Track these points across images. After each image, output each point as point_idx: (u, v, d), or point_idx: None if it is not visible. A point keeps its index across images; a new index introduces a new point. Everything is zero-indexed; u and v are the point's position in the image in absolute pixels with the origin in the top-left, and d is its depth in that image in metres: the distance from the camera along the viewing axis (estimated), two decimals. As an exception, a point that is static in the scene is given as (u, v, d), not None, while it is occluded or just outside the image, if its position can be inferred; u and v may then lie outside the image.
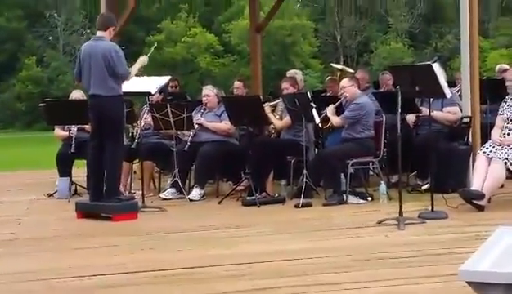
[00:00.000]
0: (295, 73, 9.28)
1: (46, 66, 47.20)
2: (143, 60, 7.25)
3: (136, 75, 7.15)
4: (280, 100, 8.09)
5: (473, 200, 6.43)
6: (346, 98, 7.60)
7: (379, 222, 6.03)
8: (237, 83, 9.32)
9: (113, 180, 6.92)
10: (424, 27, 44.34)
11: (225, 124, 8.14)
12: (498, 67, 10.70)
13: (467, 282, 2.83)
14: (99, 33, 6.95)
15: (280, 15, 36.61)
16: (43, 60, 47.57)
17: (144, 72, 7.57)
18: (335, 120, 7.60)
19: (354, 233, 5.73)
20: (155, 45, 6.50)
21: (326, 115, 7.66)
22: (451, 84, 8.83)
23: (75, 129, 8.61)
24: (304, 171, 7.41)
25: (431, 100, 6.88)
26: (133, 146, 8.22)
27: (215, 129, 8.19)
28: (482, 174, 6.51)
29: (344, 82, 7.73)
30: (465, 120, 7.63)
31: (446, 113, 7.67)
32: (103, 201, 6.89)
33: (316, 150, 8.49)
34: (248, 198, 7.50)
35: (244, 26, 37.31)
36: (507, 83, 7.18)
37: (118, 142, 6.95)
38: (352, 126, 7.44)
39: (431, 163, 6.70)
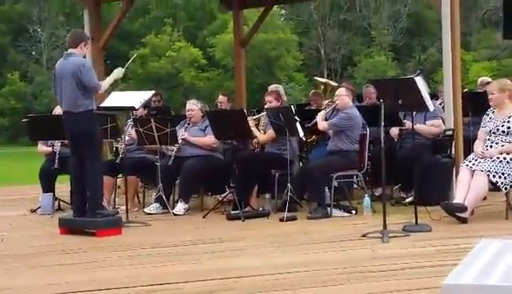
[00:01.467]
0: (276, 87, 9.33)
1: (29, 81, 46.95)
2: (118, 72, 7.23)
3: (116, 89, 7.14)
4: (264, 113, 8.11)
5: (456, 213, 6.46)
6: (337, 105, 7.63)
7: (364, 235, 6.04)
8: (221, 97, 9.35)
9: (95, 196, 6.88)
10: (407, 40, 44.65)
11: (209, 138, 8.14)
12: (480, 80, 10.78)
13: (450, 296, 2.84)
14: (70, 50, 6.97)
15: (264, 29, 36.72)
16: (27, 75, 47.32)
17: (128, 87, 7.56)
18: (322, 124, 7.65)
19: (339, 247, 5.73)
20: (135, 56, 6.47)
21: (313, 123, 7.69)
22: (434, 97, 8.88)
23: (58, 144, 8.57)
24: (289, 185, 7.42)
25: (414, 113, 6.92)
26: (117, 161, 8.19)
27: (199, 143, 8.18)
28: (465, 186, 6.55)
29: (341, 90, 7.77)
30: (448, 133, 7.68)
31: (429, 126, 7.72)
32: (87, 216, 6.85)
33: (301, 164, 8.51)
34: (232, 212, 7.49)
35: (228, 40, 37.33)
36: (489, 96, 7.25)
37: (95, 158, 6.89)
38: (338, 137, 7.46)
39: (415, 176, 6.73)
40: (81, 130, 6.79)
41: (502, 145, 6.66)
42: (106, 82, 7.06)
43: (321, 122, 7.66)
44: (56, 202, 8.55)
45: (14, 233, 7.27)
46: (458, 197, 6.54)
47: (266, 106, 8.04)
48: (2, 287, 4.83)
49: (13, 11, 49.11)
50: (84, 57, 7.17)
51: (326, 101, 8.38)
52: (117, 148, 8.78)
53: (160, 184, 7.91)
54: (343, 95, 7.61)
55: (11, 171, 18.52)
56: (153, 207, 8.00)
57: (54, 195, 8.45)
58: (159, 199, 7.97)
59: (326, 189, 7.42)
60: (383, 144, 6.19)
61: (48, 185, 8.53)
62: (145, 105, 8.69)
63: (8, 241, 6.81)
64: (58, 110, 9.06)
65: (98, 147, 7.14)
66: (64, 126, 7.02)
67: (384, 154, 6.14)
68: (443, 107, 8.01)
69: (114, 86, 7.22)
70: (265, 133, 8.10)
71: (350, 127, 7.45)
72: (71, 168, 7.09)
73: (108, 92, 7.60)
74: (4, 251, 6.24)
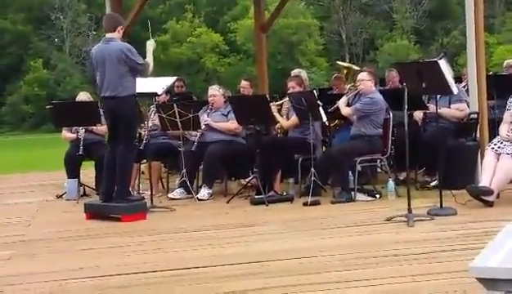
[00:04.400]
0: (299, 71, 9.29)
1: (52, 68, 47.34)
2: (151, 44, 7.20)
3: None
4: (287, 99, 8.10)
5: (482, 196, 6.42)
6: (360, 91, 7.57)
7: (388, 219, 6.03)
8: (244, 83, 9.33)
9: (124, 182, 6.93)
10: (429, 23, 44.28)
11: (232, 123, 8.15)
12: (506, 62, 10.66)
13: (477, 279, 2.83)
14: (108, 35, 6.93)
15: (285, 14, 36.60)
16: (50, 63, 47.71)
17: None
18: (346, 110, 7.59)
19: (363, 231, 5.73)
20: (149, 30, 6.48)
21: (335, 108, 7.65)
22: (458, 80, 8.81)
23: (83, 131, 8.64)
24: (312, 170, 7.42)
25: (438, 96, 6.87)
26: (141, 147, 8.24)
27: (222, 129, 8.20)
28: (491, 170, 6.50)
29: (363, 75, 7.67)
30: (473, 116, 7.62)
31: (453, 110, 7.66)
32: (114, 201, 6.92)
33: (324, 148, 8.49)
34: (256, 196, 7.51)
35: (249, 25, 37.32)
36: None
37: (131, 144, 6.96)
38: (362, 121, 7.42)
39: (439, 160, 6.69)
40: (125, 114, 6.81)
41: (528, 128, 6.60)
42: (150, 59, 7.04)
43: (343, 107, 7.61)
44: (81, 188, 8.63)
45: (40, 219, 7.37)
46: (484, 180, 6.50)
47: (288, 92, 8.03)
48: (29, 272, 4.91)
49: (35, -1, 49.49)
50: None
51: (349, 85, 8.34)
52: (140, 133, 8.84)
53: (184, 170, 7.95)
54: (365, 80, 7.55)
55: (36, 157, 18.74)
56: (177, 193, 8.04)
57: (79, 181, 8.53)
58: (182, 184, 8.01)
59: (350, 174, 7.40)
60: (406, 128, 6.15)
61: (73, 171, 8.61)
62: (168, 91, 8.72)
63: (35, 226, 6.90)
64: (82, 97, 9.17)
65: (135, 133, 7.18)
66: (104, 112, 7.06)
67: (408, 138, 6.11)
68: (467, 90, 7.94)
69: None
70: (287, 118, 8.10)
71: (374, 112, 7.40)
72: (106, 154, 7.11)
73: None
74: (31, 236, 6.33)
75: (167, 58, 42.64)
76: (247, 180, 8.01)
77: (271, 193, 7.61)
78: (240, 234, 5.88)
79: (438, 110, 6.91)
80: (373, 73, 8.11)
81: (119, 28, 6.93)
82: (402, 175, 7.85)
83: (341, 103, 7.64)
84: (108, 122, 7.13)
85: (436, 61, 6.28)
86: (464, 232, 5.46)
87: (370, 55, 43.80)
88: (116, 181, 6.89)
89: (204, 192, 7.91)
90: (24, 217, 7.43)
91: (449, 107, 7.64)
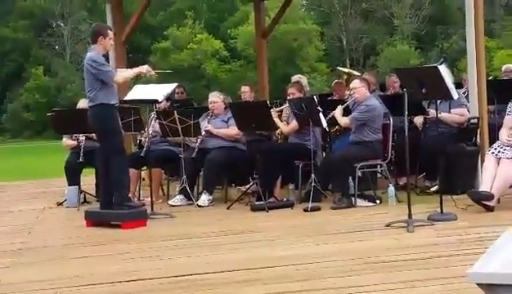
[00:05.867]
0: (300, 77, 9.29)
1: (53, 76, 47.39)
2: (146, 70, 7.20)
3: (139, 81, 7.18)
4: (287, 105, 8.09)
5: (483, 201, 6.41)
6: (356, 99, 7.56)
7: (388, 225, 6.02)
8: (244, 88, 9.31)
9: (121, 189, 6.93)
10: (429, 28, 44.27)
11: (232, 130, 8.15)
12: (505, 67, 10.66)
13: (477, 284, 2.82)
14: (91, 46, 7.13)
15: (285, 19, 36.63)
16: (50, 70, 47.76)
17: (150, 79, 7.59)
18: (343, 121, 7.58)
19: (363, 237, 5.71)
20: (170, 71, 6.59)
21: (332, 117, 7.64)
22: (458, 85, 8.81)
23: (83, 138, 8.65)
24: (312, 175, 7.41)
25: (439, 101, 6.87)
26: (141, 154, 8.23)
27: (223, 135, 8.20)
28: (491, 174, 6.49)
29: (355, 83, 7.66)
30: (473, 121, 7.61)
31: (453, 115, 7.65)
32: (112, 209, 6.91)
33: (324, 154, 8.49)
34: (256, 202, 7.50)
35: (249, 31, 37.34)
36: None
37: (117, 151, 6.94)
38: (360, 128, 7.41)
39: (439, 165, 6.68)
40: (99, 123, 6.93)
41: (528, 133, 6.59)
42: (126, 73, 7.10)
43: (341, 118, 7.59)
44: (82, 195, 8.63)
45: (41, 226, 7.37)
46: (484, 185, 6.49)
47: (288, 98, 8.03)
48: (29, 280, 4.90)
49: (36, 6, 49.59)
50: (106, 50, 7.21)
51: (349, 91, 8.33)
52: (141, 140, 8.84)
53: (184, 176, 7.95)
54: (358, 88, 7.54)
55: (36, 164, 18.74)
56: (177, 199, 8.04)
57: (79, 188, 8.53)
58: (183, 191, 8.01)
59: (350, 179, 7.39)
60: (407, 133, 6.15)
61: (74, 178, 8.61)
62: (168, 98, 8.72)
63: (35, 233, 6.90)
64: (82, 104, 9.17)
65: (118, 141, 7.13)
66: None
67: (408, 143, 6.11)
68: (467, 95, 7.94)
69: (138, 79, 7.25)
70: (288, 124, 8.09)
71: (372, 118, 7.39)
72: (98, 161, 7.14)
73: (129, 86, 7.63)
74: (31, 243, 6.32)
75: (167, 64, 42.65)
76: (247, 187, 8.00)
77: (272, 199, 7.60)
78: (239, 241, 5.88)
79: (439, 115, 6.91)
80: (365, 78, 8.11)
81: (99, 38, 6.99)
82: (403, 181, 7.84)
83: (337, 114, 7.62)
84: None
85: (436, 67, 6.28)
86: (465, 237, 5.45)
87: (371, 60, 43.79)
88: (113, 190, 6.90)
89: (204, 198, 7.90)
90: (24, 225, 7.42)
91: (450, 112, 7.64)
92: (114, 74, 6.94)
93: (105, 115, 6.89)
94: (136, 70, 7.15)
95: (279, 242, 5.70)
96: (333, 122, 7.86)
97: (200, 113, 8.57)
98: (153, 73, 7.31)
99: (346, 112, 7.67)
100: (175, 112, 8.00)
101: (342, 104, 7.78)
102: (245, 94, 9.18)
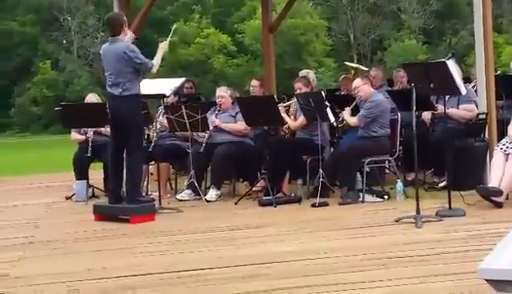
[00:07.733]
0: (307, 72, 9.26)
1: (61, 70, 47.50)
2: (164, 46, 7.25)
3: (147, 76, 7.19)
4: (295, 99, 8.09)
5: (491, 197, 6.39)
6: (361, 97, 7.57)
7: (397, 220, 6.01)
8: (254, 82, 9.18)
9: (135, 184, 6.95)
10: (437, 23, 44.15)
11: (240, 124, 8.15)
12: (513, 62, 10.63)
13: (486, 280, 2.82)
14: (113, 37, 7.00)
15: (292, 14, 36.58)
16: (58, 64, 47.87)
17: (157, 74, 7.59)
18: (352, 121, 7.60)
19: (371, 232, 5.71)
20: (175, 26, 6.45)
21: (342, 118, 7.67)
22: (467, 80, 8.78)
23: (91, 132, 8.66)
24: (320, 171, 7.41)
25: (447, 97, 6.84)
26: (149, 149, 8.25)
27: (231, 130, 8.21)
28: (500, 170, 6.47)
29: (357, 82, 7.70)
30: (481, 116, 7.59)
31: (461, 111, 7.63)
32: (122, 203, 6.93)
33: (332, 149, 8.49)
34: (264, 198, 7.51)
35: (257, 26, 37.33)
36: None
37: (140, 146, 6.96)
38: (369, 124, 7.42)
39: (447, 161, 6.66)
40: (125, 116, 6.82)
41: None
42: (157, 60, 7.06)
43: (349, 118, 7.61)
44: (90, 189, 8.65)
45: (49, 220, 7.39)
46: (493, 181, 6.47)
47: (296, 93, 8.02)
48: (37, 274, 4.92)
49: (42, 1, 49.65)
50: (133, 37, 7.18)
51: (353, 92, 8.32)
52: (149, 135, 8.85)
53: (192, 171, 7.96)
54: (361, 86, 7.56)
55: (44, 158, 18.80)
56: (185, 194, 8.05)
57: (88, 182, 8.55)
58: (191, 186, 8.02)
59: (358, 175, 7.39)
60: (415, 129, 6.14)
61: (82, 173, 8.63)
62: (176, 92, 8.73)
63: (43, 228, 6.92)
64: (90, 98, 9.20)
65: (140, 135, 7.15)
66: (108, 105, 7.08)
67: (416, 139, 6.09)
68: (476, 90, 7.91)
69: (147, 74, 7.25)
70: (295, 119, 8.09)
71: (379, 113, 7.40)
72: (109, 154, 7.11)
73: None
74: (40, 237, 6.34)
75: (175, 59, 42.68)
76: (255, 182, 8.01)
77: (280, 194, 7.60)
78: (247, 236, 5.88)
79: (447, 111, 6.89)
80: (366, 76, 8.12)
81: (124, 27, 6.97)
82: (411, 176, 7.83)
83: (346, 115, 7.65)
84: (110, 121, 7.11)
85: (444, 62, 6.25)
86: (473, 233, 5.44)
87: (378, 55, 43.73)
88: (126, 184, 6.91)
89: (212, 193, 7.91)
90: (32, 219, 7.44)
91: (458, 107, 7.61)
92: (152, 63, 6.93)
93: (137, 107, 6.90)
94: (160, 53, 7.14)
95: (287, 238, 5.71)
96: (341, 120, 7.87)
97: (208, 107, 8.57)
98: (167, 43, 7.33)
99: (356, 111, 7.67)
100: (183, 106, 8.00)
101: (349, 100, 7.78)
102: (255, 88, 9.09)
